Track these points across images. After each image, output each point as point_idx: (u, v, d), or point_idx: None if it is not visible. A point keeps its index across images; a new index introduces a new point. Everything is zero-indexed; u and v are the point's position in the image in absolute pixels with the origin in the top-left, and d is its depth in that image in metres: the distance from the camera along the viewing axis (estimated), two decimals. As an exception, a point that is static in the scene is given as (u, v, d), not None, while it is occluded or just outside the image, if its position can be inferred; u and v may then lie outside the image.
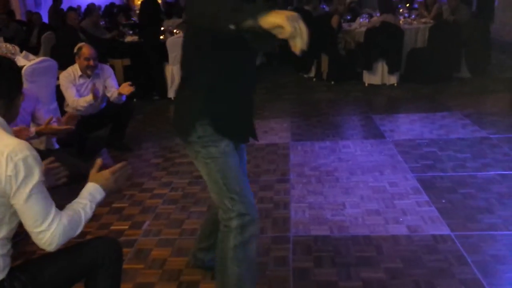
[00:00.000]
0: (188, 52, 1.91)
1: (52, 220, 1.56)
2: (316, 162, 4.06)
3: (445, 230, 2.81)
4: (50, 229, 1.55)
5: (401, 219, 2.98)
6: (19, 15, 11.21)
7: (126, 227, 3.10)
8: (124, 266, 2.55)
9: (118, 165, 1.82)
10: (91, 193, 1.72)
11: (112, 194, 1.84)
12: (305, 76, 7.79)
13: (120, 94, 4.16)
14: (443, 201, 3.18)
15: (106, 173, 1.78)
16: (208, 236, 2.35)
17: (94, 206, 1.71)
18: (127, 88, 4.12)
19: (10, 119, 1.68)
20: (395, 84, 6.80)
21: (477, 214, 2.98)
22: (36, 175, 1.52)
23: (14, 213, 1.57)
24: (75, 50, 4.20)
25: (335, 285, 2.38)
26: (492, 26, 8.73)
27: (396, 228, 2.88)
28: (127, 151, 4.48)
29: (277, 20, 1.37)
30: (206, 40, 1.78)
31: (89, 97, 4.09)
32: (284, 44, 1.46)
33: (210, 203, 2.68)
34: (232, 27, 1.43)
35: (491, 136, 4.41)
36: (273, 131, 5.00)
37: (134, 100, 6.11)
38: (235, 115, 1.95)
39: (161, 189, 3.64)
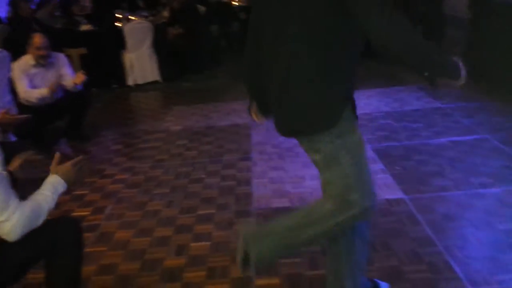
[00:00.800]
0: None
1: (13, 211, 1.56)
2: (278, 139, 4.12)
3: (399, 194, 2.94)
4: (10, 220, 1.56)
5: (358, 187, 3.08)
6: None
7: (88, 213, 3.09)
8: (88, 249, 2.59)
9: (79, 158, 1.83)
10: (53, 185, 1.73)
11: (72, 186, 1.86)
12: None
13: (74, 84, 4.10)
14: (397, 168, 3.31)
15: (68, 165, 1.79)
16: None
17: (56, 197, 1.73)
18: (80, 77, 4.07)
19: None
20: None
21: (429, 178, 3.12)
22: None
23: None
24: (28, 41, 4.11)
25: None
26: (446, 2, 8.98)
27: (353, 195, 2.98)
28: (86, 140, 4.43)
29: None
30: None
31: (44, 90, 4.02)
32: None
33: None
34: None
35: (443, 106, 4.59)
36: (235, 112, 5.04)
37: (93, 89, 6.01)
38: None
39: (122, 175, 3.64)
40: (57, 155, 1.83)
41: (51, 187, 1.72)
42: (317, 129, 1.63)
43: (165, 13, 7.53)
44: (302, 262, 2.35)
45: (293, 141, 4.04)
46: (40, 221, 1.66)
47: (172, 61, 6.77)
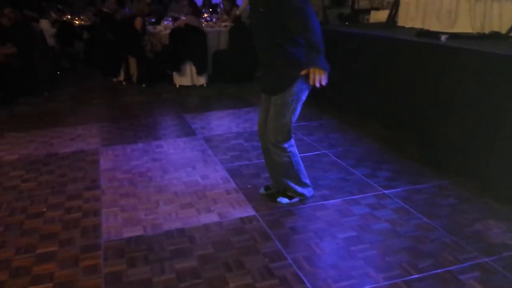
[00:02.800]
0: None
1: None
2: (128, 164, 3.95)
3: (250, 212, 3.03)
4: None
5: (212, 208, 3.10)
6: None
7: None
8: None
9: None
10: None
11: None
12: (114, 80, 7.53)
13: None
14: (249, 186, 3.42)
15: None
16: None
17: None
18: None
19: None
20: (204, 85, 7.07)
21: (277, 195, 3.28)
22: None
23: None
24: None
25: (149, 282, 2.35)
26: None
27: (208, 217, 2.99)
28: None
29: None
30: None
31: None
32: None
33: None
34: None
35: (287, 125, 4.91)
36: (80, 137, 4.70)
37: None
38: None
39: None
40: None
41: None
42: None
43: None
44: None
45: (146, 166, 3.93)
46: None
47: (3, 83, 6.07)
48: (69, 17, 9.81)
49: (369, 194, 3.27)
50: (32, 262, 2.55)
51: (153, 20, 8.35)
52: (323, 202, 3.16)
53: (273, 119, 2.86)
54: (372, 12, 6.57)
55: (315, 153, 4.09)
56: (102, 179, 3.66)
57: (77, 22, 9.50)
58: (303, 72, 2.66)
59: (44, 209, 3.16)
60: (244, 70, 7.26)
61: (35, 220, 3.01)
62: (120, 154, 4.23)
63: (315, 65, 2.58)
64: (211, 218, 2.98)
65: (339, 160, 3.90)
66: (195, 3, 7.34)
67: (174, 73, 7.06)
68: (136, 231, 2.85)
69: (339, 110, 5.34)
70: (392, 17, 5.56)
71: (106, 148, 4.38)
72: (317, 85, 2.62)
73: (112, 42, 7.25)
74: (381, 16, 6.15)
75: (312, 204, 3.14)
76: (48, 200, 3.29)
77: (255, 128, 4.85)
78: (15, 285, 2.37)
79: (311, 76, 2.61)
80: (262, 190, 3.30)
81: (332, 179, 3.53)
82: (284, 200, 3.14)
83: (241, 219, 2.95)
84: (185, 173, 3.70)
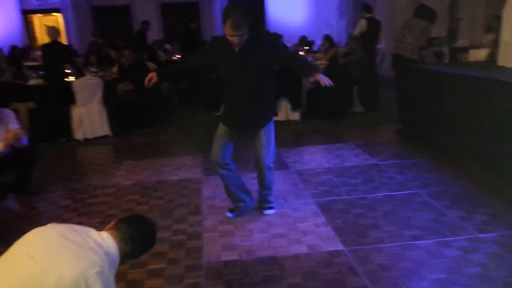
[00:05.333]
0: None
1: None
2: (226, 194, 4.29)
3: (339, 246, 3.17)
4: None
5: (302, 240, 3.30)
6: None
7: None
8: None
9: None
10: None
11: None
12: (216, 114, 8.11)
13: (5, 146, 4.07)
14: (338, 221, 3.57)
15: None
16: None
17: None
18: (9, 139, 4.04)
19: None
20: (298, 120, 7.36)
21: (366, 230, 3.39)
22: None
23: None
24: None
25: (244, 303, 2.59)
26: (381, 66, 9.79)
27: (297, 247, 3.19)
28: (34, 195, 4.39)
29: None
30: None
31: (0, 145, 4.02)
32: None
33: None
34: None
35: (379, 162, 4.98)
36: (186, 167, 5.19)
37: (40, 143, 5.98)
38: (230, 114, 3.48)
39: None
40: None
41: None
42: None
43: (114, 69, 7.72)
44: None
45: (242, 196, 4.18)
46: None
47: (122, 116, 6.88)
48: (178, 56, 10.80)
49: (463, 237, 3.24)
50: (144, 277, 2.94)
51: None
52: (414, 242, 3.20)
53: (265, 146, 3.50)
54: (472, 51, 6.45)
55: (407, 192, 4.12)
56: (204, 206, 4.04)
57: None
58: (313, 80, 3.09)
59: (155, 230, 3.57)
60: (337, 107, 7.45)
61: (146, 240, 3.42)
62: (219, 183, 4.58)
63: (319, 71, 3.21)
64: (301, 249, 3.17)
65: (432, 201, 3.89)
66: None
67: (270, 109, 7.44)
68: (233, 256, 3.13)
69: (433, 149, 5.28)
70: (492, 57, 5.44)
71: (207, 177, 4.80)
72: (327, 84, 3.03)
73: (214, 80, 7.88)
74: (480, 54, 6.03)
75: (401, 243, 3.20)
76: (158, 222, 3.71)
77: (346, 163, 5.00)
78: (130, 295, 2.75)
79: (321, 79, 3.05)
80: (230, 215, 3.77)
81: (424, 219, 3.55)
82: (272, 211, 3.76)
83: (330, 252, 3.10)
84: (278, 205, 3.95)
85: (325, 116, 7.31)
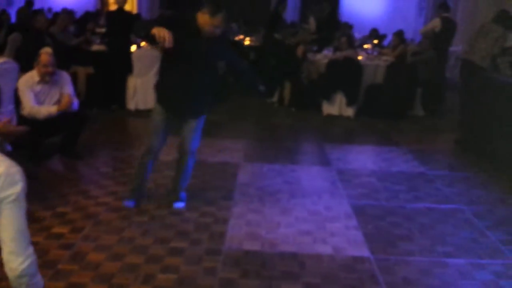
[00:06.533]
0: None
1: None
2: (262, 183, 4.26)
3: (365, 253, 3.04)
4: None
5: (328, 240, 3.20)
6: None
7: (66, 231, 3.19)
8: (60, 266, 2.70)
9: None
10: None
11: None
12: (268, 101, 8.05)
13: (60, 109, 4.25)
14: (370, 227, 3.42)
15: None
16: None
17: None
18: (64, 104, 4.22)
19: None
20: (351, 116, 7.13)
21: (398, 241, 3.23)
22: None
23: None
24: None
25: (255, 295, 2.55)
26: (455, 70, 9.25)
27: (322, 247, 3.09)
28: (79, 159, 4.56)
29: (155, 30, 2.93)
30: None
31: (53, 109, 4.20)
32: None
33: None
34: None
35: (428, 172, 4.72)
36: (227, 150, 5.19)
37: (94, 109, 6.20)
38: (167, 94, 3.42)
39: (106, 198, 3.74)
40: None
41: None
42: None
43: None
44: None
45: (276, 186, 4.18)
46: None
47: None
48: (241, 37, 10.75)
49: (499, 261, 3.01)
50: (164, 253, 2.97)
51: (314, 48, 8.71)
52: (445, 259, 3.01)
53: (194, 130, 3.53)
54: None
55: (450, 206, 3.88)
56: (237, 192, 4.02)
57: (247, 42, 10.38)
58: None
59: (184, 209, 3.61)
60: (396, 107, 7.12)
61: (174, 217, 3.47)
62: (257, 171, 4.58)
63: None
64: (325, 249, 3.07)
65: (475, 219, 3.64)
66: (353, 40, 7.51)
67: (323, 101, 7.28)
68: (255, 246, 3.09)
69: (490, 164, 4.92)
70: None
71: (246, 163, 4.77)
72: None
73: (273, 66, 7.81)
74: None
75: (432, 259, 3.01)
76: (189, 202, 3.73)
77: (393, 168, 4.79)
78: (147, 269, 2.79)
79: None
80: (131, 204, 3.59)
81: (462, 237, 3.33)
82: (182, 204, 3.65)
83: (354, 257, 2.98)
84: (311, 201, 3.85)
85: (381, 116, 7.02)
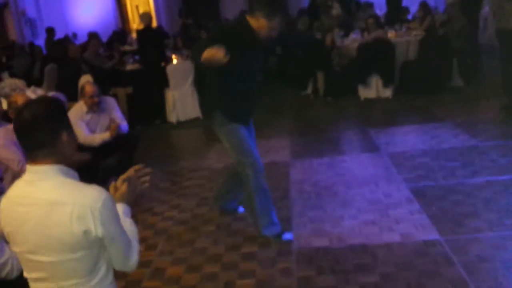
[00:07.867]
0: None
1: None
2: (315, 178, 4.31)
3: (434, 235, 3.06)
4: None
5: (394, 228, 3.22)
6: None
7: (142, 249, 3.34)
8: (143, 284, 2.84)
9: (128, 173, 1.95)
10: (124, 212, 1.85)
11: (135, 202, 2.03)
12: (303, 93, 8.07)
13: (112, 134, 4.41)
14: (434, 208, 3.42)
15: (122, 188, 1.95)
16: (228, 188, 3.56)
17: (129, 220, 1.87)
18: (113, 130, 4.38)
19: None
20: (390, 97, 7.06)
21: (464, 219, 3.22)
22: None
23: None
24: (79, 89, 4.49)
25: (335, 290, 2.63)
26: (484, 33, 8.99)
27: (390, 236, 3.13)
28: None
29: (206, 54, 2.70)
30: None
31: (106, 135, 4.39)
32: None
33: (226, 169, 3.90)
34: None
35: (480, 144, 4.65)
36: (273, 149, 5.26)
37: (137, 126, 6.40)
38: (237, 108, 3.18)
39: (170, 212, 3.90)
40: (111, 186, 1.99)
41: (124, 214, 1.82)
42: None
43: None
44: None
45: (330, 180, 4.23)
46: (135, 245, 1.86)
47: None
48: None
49: None
50: (238, 259, 3.08)
51: (341, 34, 8.66)
52: (516, 232, 2.99)
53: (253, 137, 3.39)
54: None
55: (510, 176, 3.82)
56: (292, 190, 4.09)
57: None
58: None
59: (246, 214, 3.71)
60: (433, 81, 7.01)
61: (239, 223, 3.57)
62: (308, 167, 4.63)
63: None
64: (393, 237, 3.11)
65: (540, 187, 3.58)
66: (380, 20, 7.41)
67: (359, 86, 7.24)
68: (323, 242, 3.16)
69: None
70: None
71: (295, 160, 4.84)
72: None
73: (302, 58, 7.81)
74: None
75: (503, 233, 3.00)
76: (250, 206, 3.83)
77: (444, 145, 4.74)
78: (225, 276, 2.91)
79: None
80: (289, 236, 3.29)
81: (530, 207, 3.29)
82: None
83: (424, 241, 3.00)
84: (369, 190, 3.88)
85: (420, 92, 6.92)
